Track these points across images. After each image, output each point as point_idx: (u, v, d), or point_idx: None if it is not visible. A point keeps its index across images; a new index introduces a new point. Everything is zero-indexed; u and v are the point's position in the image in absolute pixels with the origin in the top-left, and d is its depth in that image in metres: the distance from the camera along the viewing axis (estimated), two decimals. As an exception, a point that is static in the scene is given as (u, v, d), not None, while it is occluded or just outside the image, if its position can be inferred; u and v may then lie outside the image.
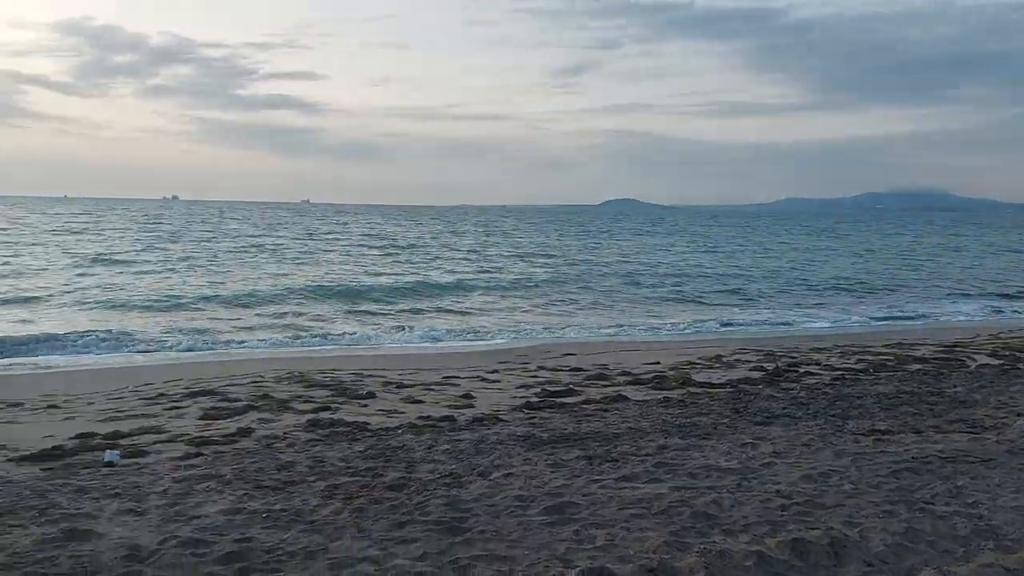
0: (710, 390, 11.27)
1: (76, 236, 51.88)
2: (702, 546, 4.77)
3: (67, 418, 9.27)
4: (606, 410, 9.73)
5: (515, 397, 10.83)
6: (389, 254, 44.53)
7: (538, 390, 11.32)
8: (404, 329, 19.67)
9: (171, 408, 9.82)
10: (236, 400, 10.27)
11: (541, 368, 13.72)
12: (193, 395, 10.65)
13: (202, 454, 7.47)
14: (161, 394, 10.76)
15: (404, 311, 23.05)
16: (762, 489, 6.01)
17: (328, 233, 65.93)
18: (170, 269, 32.28)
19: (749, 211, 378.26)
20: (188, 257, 38.13)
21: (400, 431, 8.52)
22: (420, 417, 9.34)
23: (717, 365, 13.93)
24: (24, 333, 17.19)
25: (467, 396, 10.87)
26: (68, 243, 45.10)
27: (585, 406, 10.04)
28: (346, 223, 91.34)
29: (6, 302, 21.89)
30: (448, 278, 31.34)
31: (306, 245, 49.68)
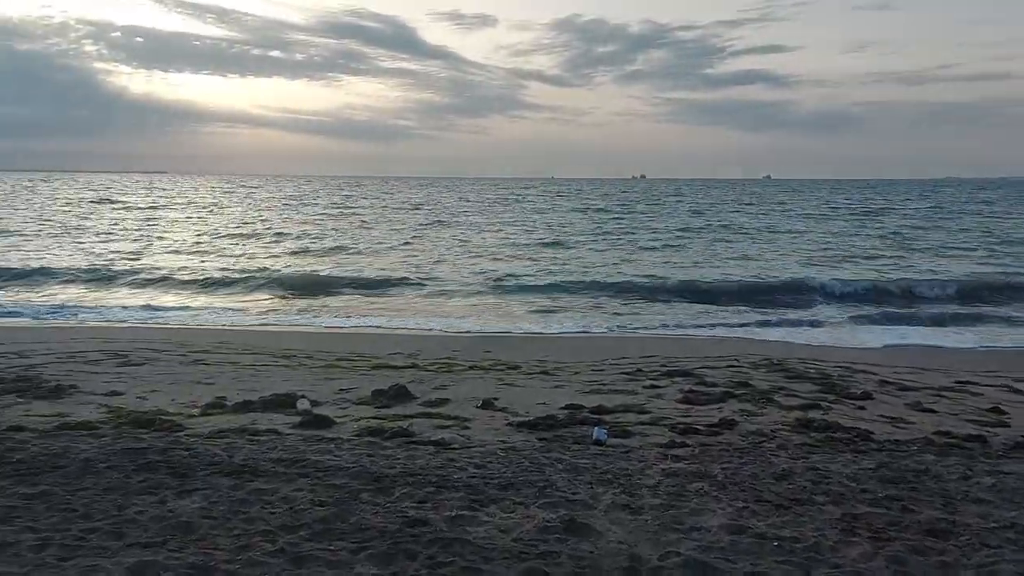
0: None
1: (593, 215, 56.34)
2: None
3: (556, 386, 9.63)
4: None
5: (1069, 419, 8.31)
6: (875, 234, 39.36)
7: (1105, 413, 8.56)
8: (892, 319, 17.22)
9: (650, 386, 9.61)
10: (714, 385, 9.67)
11: (1099, 382, 10.56)
12: (670, 374, 10.36)
13: (687, 444, 6.94)
14: (639, 370, 10.69)
15: (892, 299, 20.25)
16: None
17: (804, 212, 61.69)
18: (636, 249, 33.50)
19: None
20: (655, 234, 39.38)
21: (916, 448, 6.96)
22: (938, 432, 7.60)
23: None
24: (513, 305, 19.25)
25: (996, 410, 8.68)
26: (551, 221, 50.10)
27: None
28: (820, 200, 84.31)
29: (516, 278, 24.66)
30: (955, 268, 25.72)
31: (768, 223, 47.61)
